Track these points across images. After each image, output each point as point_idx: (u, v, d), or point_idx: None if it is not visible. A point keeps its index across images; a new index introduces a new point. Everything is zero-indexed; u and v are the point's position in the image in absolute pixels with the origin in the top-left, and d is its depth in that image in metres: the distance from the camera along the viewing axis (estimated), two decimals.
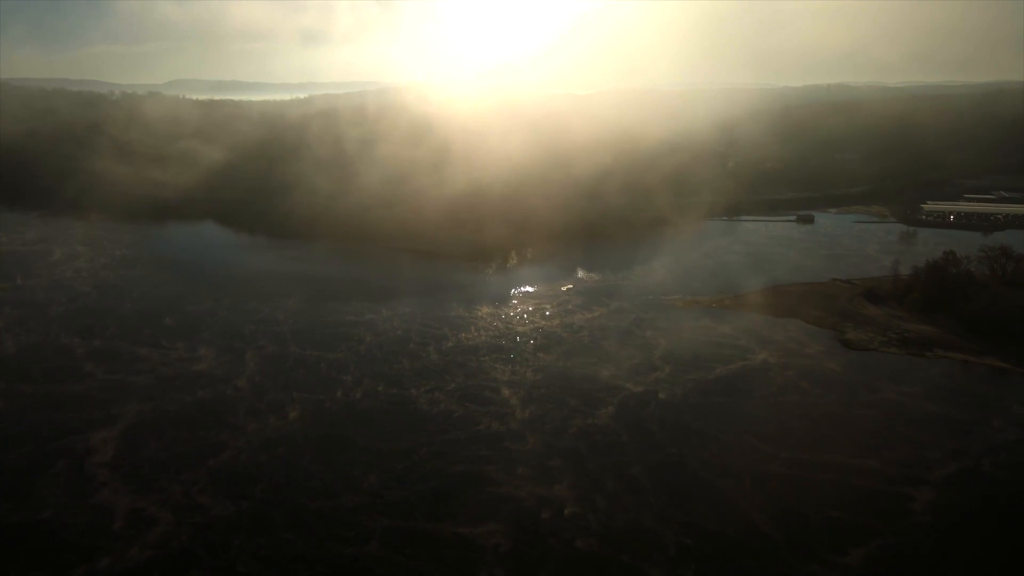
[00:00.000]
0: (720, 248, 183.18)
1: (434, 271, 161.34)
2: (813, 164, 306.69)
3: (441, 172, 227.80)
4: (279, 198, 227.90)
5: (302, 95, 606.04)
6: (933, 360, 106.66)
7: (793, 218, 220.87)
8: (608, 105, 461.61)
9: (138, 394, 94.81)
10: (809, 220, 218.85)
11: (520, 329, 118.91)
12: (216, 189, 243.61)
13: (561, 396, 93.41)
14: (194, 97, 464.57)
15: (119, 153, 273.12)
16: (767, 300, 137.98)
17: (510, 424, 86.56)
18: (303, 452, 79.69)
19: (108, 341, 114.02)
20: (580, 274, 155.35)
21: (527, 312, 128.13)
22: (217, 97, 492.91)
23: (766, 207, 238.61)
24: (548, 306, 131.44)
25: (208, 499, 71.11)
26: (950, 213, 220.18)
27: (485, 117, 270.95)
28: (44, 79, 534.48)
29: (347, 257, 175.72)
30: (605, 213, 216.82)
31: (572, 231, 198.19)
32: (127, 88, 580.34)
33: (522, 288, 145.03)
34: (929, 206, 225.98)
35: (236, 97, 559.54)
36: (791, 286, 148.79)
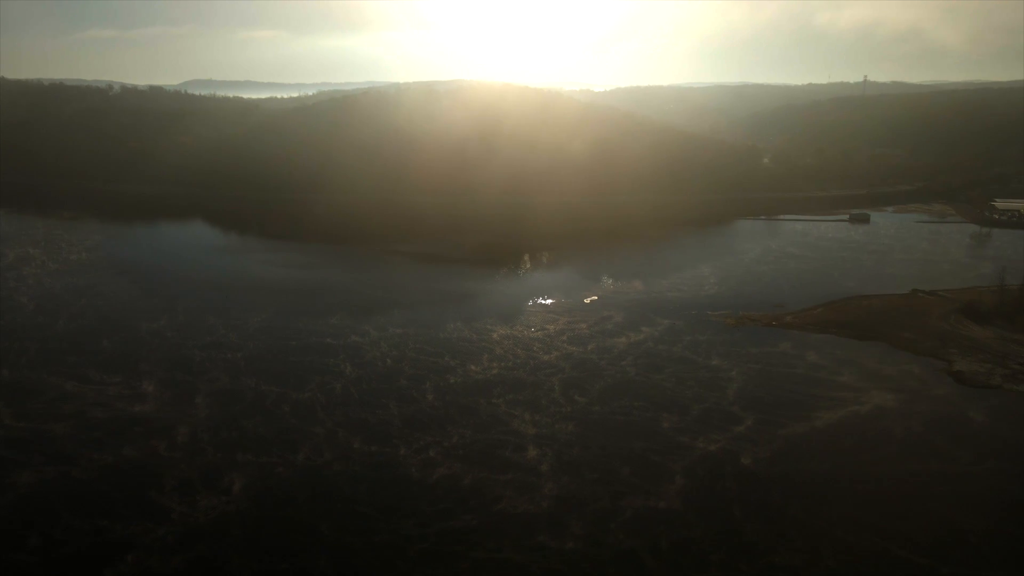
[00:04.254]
0: (770, 252, 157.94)
1: (434, 278, 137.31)
2: (856, 160, 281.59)
3: (445, 170, 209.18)
4: (272, 196, 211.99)
5: (311, 92, 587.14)
6: None
7: (846, 217, 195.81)
8: (627, 101, 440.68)
9: (47, 451, 70.96)
10: (864, 220, 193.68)
11: (544, 357, 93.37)
12: (210, 187, 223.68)
13: (607, 460, 68.06)
14: (198, 93, 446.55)
15: (100, 147, 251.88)
16: (838, 317, 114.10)
17: (540, 502, 61.55)
18: (234, 553, 54.85)
19: (25, 371, 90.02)
20: (607, 282, 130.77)
21: (551, 333, 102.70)
22: (220, 94, 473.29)
23: (811, 205, 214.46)
24: (577, 324, 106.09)
25: None
26: None
27: (497, 114, 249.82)
28: (44, 78, 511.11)
29: (335, 261, 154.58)
30: (630, 212, 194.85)
31: (592, 232, 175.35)
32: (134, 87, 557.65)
33: (540, 300, 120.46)
34: (1001, 204, 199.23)
35: (245, 95, 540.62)
36: (864, 299, 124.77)
